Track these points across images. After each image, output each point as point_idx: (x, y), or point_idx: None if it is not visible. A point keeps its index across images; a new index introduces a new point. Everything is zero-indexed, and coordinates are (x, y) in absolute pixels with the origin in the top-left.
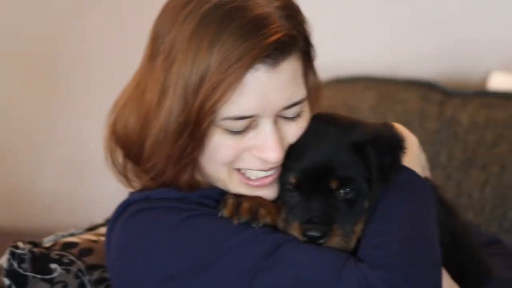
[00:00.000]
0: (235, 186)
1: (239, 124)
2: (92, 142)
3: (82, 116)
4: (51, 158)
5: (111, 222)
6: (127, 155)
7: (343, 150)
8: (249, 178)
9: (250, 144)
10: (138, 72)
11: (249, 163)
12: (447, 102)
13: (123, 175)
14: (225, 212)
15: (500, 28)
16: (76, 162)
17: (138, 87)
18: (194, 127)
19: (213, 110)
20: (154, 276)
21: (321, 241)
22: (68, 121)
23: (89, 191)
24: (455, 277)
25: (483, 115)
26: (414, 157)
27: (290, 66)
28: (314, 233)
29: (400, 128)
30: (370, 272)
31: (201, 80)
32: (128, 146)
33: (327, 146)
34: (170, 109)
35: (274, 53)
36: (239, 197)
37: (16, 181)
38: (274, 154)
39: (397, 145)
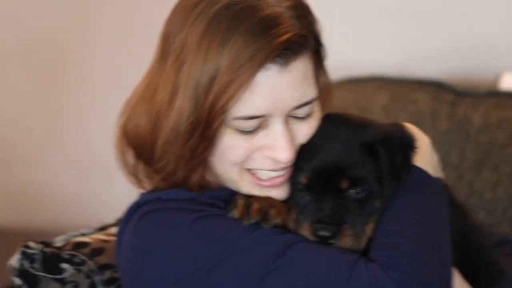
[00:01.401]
0: (246, 186)
1: (250, 124)
2: (102, 142)
3: (92, 116)
4: (61, 158)
5: (122, 223)
6: (139, 155)
7: (354, 150)
8: (260, 178)
9: (261, 143)
10: (149, 73)
11: (260, 163)
12: (458, 102)
13: (134, 175)
14: (235, 213)
15: None
16: (86, 162)
17: (149, 87)
18: (205, 127)
19: (224, 110)
20: (165, 277)
21: (331, 241)
22: (78, 121)
23: (99, 192)
24: (466, 277)
25: (495, 115)
26: (425, 157)
27: (301, 66)
28: (325, 233)
29: (412, 128)
30: (381, 272)
31: (212, 80)
32: (139, 146)
33: (338, 146)
34: (181, 109)
35: (285, 53)
36: (249, 197)
37: (26, 182)
38: (285, 154)
39: (408, 145)
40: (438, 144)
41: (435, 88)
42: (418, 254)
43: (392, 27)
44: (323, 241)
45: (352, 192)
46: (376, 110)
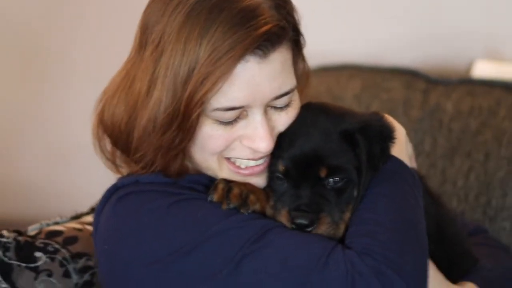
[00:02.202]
0: (225, 174)
1: (229, 115)
2: (76, 132)
3: (67, 106)
4: (36, 147)
5: (100, 205)
6: (115, 143)
7: (333, 139)
8: (239, 167)
9: (240, 133)
10: (128, 62)
11: (239, 152)
12: (431, 90)
13: (112, 161)
14: (215, 197)
15: (484, 16)
16: (60, 151)
17: (127, 77)
18: (183, 118)
19: (202, 101)
20: (142, 258)
21: (309, 229)
22: (53, 111)
23: (73, 181)
24: (440, 267)
25: (467, 103)
26: (402, 147)
27: (280, 56)
28: (302, 221)
29: (389, 118)
30: (358, 259)
31: (191, 71)
32: (115, 135)
33: (317, 135)
34: (159, 100)
35: (264, 44)
36: (229, 182)
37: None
38: (264, 144)
39: (386, 135)
40: (411, 132)
41: (407, 76)
42: (394, 243)
43: (366, 15)
44: (300, 228)
45: (330, 180)
46: (349, 98)
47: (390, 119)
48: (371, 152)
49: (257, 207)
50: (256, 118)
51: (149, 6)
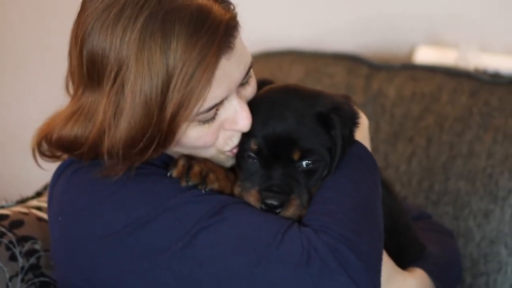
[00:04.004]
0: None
1: (211, 112)
2: (18, 118)
3: (7, 94)
4: None
5: (54, 177)
6: (67, 152)
7: (307, 120)
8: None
9: (222, 119)
10: (78, 98)
11: (226, 140)
12: (373, 76)
13: (52, 157)
14: (174, 173)
15: (426, 1)
16: (4, 134)
17: (80, 111)
18: (167, 135)
19: (187, 118)
20: (96, 231)
21: (278, 210)
22: None
23: (18, 164)
24: (390, 254)
25: (409, 88)
26: (365, 134)
27: (239, 40)
28: (273, 202)
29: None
30: (314, 235)
31: (165, 92)
32: (74, 149)
33: (291, 116)
34: (130, 129)
35: (228, 40)
36: (190, 159)
37: None
38: (247, 121)
39: (354, 119)
40: None
41: (350, 61)
42: (352, 222)
43: (308, 1)
44: (269, 209)
45: (303, 163)
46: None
47: (355, 105)
48: (344, 134)
49: (215, 186)
50: (233, 102)
51: (87, 37)
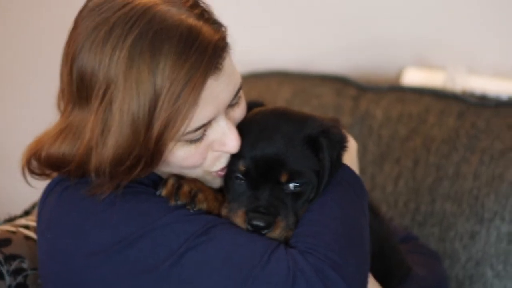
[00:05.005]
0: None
1: (199, 132)
2: (10, 134)
3: (4, 107)
4: None
5: (44, 195)
6: (57, 170)
7: (295, 143)
8: (220, 171)
9: (210, 140)
10: (66, 116)
11: (214, 160)
12: (361, 97)
13: (42, 175)
14: (164, 191)
15: (414, 24)
16: None
17: (68, 129)
18: (153, 154)
19: (173, 138)
20: (84, 248)
21: (264, 232)
22: None
23: (6, 182)
24: (377, 276)
25: (396, 109)
26: (353, 158)
27: (228, 61)
28: (259, 223)
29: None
30: (301, 257)
31: (152, 111)
32: (62, 167)
33: (280, 138)
34: (117, 147)
35: (216, 61)
36: (180, 179)
37: None
38: (235, 143)
39: (342, 142)
40: None
41: (338, 83)
42: (338, 245)
43: (296, 22)
44: (255, 230)
45: (290, 185)
46: (280, 104)
47: (344, 129)
48: (332, 157)
49: (203, 206)
50: (221, 123)
51: (77, 55)
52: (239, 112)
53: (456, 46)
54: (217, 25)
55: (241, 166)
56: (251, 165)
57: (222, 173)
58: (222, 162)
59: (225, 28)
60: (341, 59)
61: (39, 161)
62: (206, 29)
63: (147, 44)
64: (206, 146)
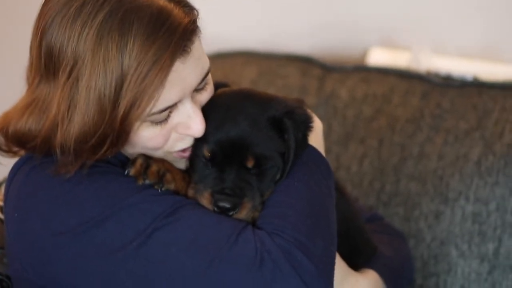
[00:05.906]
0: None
1: (164, 114)
2: None
3: None
4: None
5: (11, 173)
6: (22, 147)
7: (260, 125)
8: (183, 151)
9: (174, 123)
10: (33, 90)
11: (177, 142)
12: (326, 77)
13: (9, 152)
14: (132, 171)
15: (379, 4)
16: None
17: (35, 103)
18: (119, 133)
19: (138, 118)
20: (51, 228)
21: (230, 213)
22: None
23: None
24: (343, 256)
25: (361, 90)
26: (319, 138)
27: (197, 44)
28: (225, 204)
29: (309, 108)
30: (268, 238)
31: (118, 90)
32: (27, 142)
33: (244, 120)
34: (83, 124)
35: (185, 43)
36: (148, 159)
37: None
38: (200, 127)
39: (308, 123)
40: None
41: (303, 63)
42: (305, 226)
43: (261, 2)
44: (222, 212)
45: (255, 168)
46: (245, 85)
47: (309, 109)
48: (297, 138)
49: (171, 186)
50: (186, 106)
51: (47, 30)
52: (206, 96)
53: (421, 27)
54: (188, 8)
55: (206, 152)
56: (216, 149)
57: (185, 154)
58: (184, 143)
59: (197, 11)
60: (307, 39)
61: (6, 137)
62: (177, 11)
63: (116, 22)
64: (171, 128)
